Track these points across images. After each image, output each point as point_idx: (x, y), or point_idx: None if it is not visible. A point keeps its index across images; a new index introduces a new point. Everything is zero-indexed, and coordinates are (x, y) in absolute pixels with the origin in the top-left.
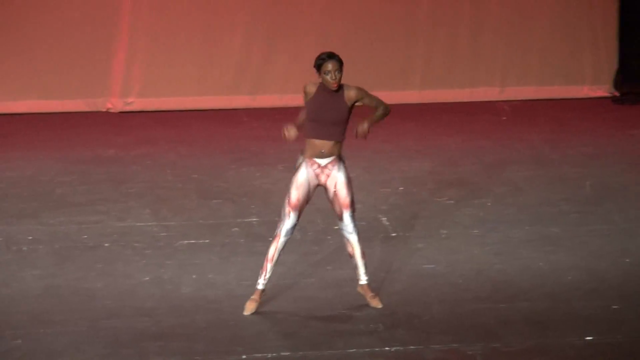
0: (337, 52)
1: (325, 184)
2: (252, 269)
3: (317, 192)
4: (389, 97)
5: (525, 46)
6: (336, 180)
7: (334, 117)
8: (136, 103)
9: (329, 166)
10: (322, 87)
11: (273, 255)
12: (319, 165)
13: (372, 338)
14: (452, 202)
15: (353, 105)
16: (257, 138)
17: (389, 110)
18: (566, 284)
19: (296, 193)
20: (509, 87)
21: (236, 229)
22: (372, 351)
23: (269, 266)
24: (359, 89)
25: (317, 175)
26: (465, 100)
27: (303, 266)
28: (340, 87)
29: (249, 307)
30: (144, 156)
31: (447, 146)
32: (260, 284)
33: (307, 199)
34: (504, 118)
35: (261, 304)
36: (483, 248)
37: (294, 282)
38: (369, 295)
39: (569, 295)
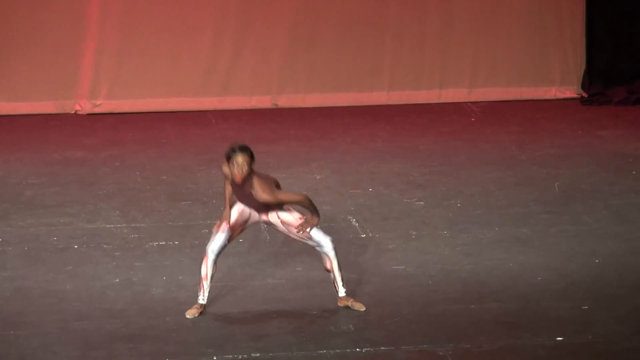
0: (304, 54)
1: (269, 220)
2: (222, 271)
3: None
4: (358, 98)
5: (494, 47)
6: (276, 211)
7: (258, 205)
8: (104, 105)
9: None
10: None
11: (206, 273)
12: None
13: (343, 339)
14: (421, 203)
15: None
16: (226, 139)
17: (308, 203)
18: (536, 285)
19: (237, 214)
20: (477, 88)
21: (206, 230)
22: (343, 352)
23: (204, 284)
24: (268, 196)
25: (258, 211)
26: (434, 101)
27: (272, 267)
28: (249, 181)
29: (192, 313)
30: (113, 158)
31: (416, 147)
32: (200, 299)
33: (242, 228)
34: (473, 119)
35: (229, 305)
36: (453, 249)
37: (263, 283)
38: (350, 302)
39: (539, 295)
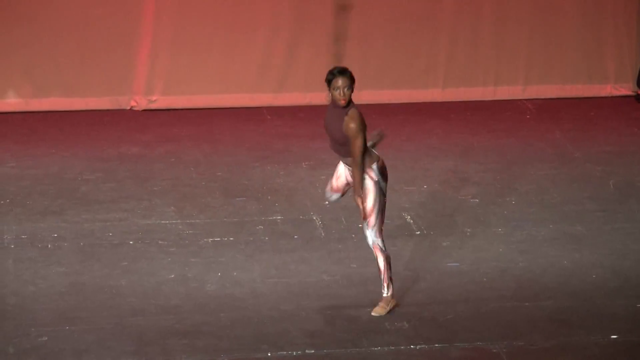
0: (359, 50)
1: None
2: (277, 267)
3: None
4: (412, 95)
5: (548, 44)
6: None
7: (339, 138)
8: (160, 101)
9: None
10: (332, 104)
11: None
12: (350, 169)
13: (397, 336)
14: (476, 200)
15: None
16: (281, 136)
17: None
18: (590, 283)
19: (335, 180)
20: (532, 85)
21: (260, 226)
22: (397, 349)
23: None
24: (352, 129)
25: (349, 176)
26: (489, 98)
27: (327, 264)
28: (347, 108)
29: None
30: (168, 154)
31: (470, 144)
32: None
33: (345, 187)
34: (528, 116)
35: (284, 301)
36: (507, 246)
37: (318, 279)
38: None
39: (593, 293)
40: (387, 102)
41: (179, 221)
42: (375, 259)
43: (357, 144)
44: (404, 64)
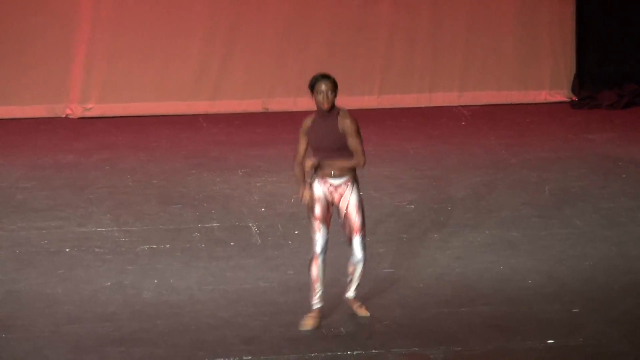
0: (295, 57)
1: (338, 204)
2: (213, 274)
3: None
4: (348, 102)
5: (484, 51)
6: (348, 201)
7: (333, 144)
8: (95, 109)
9: (342, 186)
10: (318, 114)
11: (317, 275)
12: (332, 184)
13: (334, 342)
14: (412, 206)
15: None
16: (217, 143)
17: (362, 163)
18: (527, 288)
19: (319, 207)
20: (467, 91)
21: (197, 234)
22: (335, 355)
23: (317, 286)
24: (351, 124)
25: (330, 193)
26: (424, 105)
27: (264, 270)
28: (336, 110)
29: (309, 323)
30: (104, 162)
31: (406, 151)
32: (316, 303)
33: (329, 212)
34: (463, 123)
35: (221, 308)
36: (443, 252)
37: (255, 286)
38: (355, 305)
39: (529, 299)
40: None
41: (115, 229)
42: (358, 269)
43: (360, 138)
44: (340, 70)
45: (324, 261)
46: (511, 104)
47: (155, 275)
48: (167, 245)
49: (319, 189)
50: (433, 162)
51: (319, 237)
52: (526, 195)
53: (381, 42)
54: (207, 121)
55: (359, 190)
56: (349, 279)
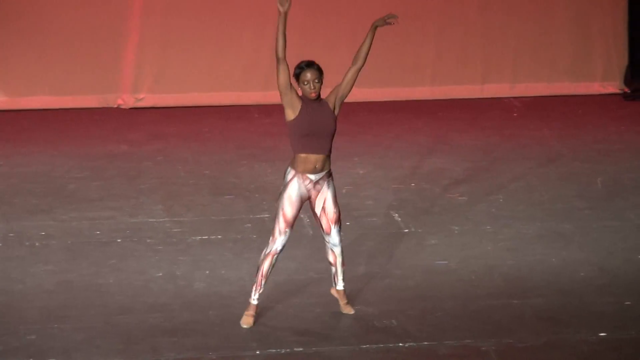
0: (345, 48)
1: (315, 200)
2: None
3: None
4: (401, 93)
5: (536, 42)
6: (325, 196)
7: (327, 129)
8: (147, 99)
9: (320, 182)
10: (306, 99)
11: (267, 272)
12: (311, 181)
13: (386, 334)
14: (464, 198)
15: (338, 112)
16: (269, 134)
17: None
18: (579, 280)
19: (290, 210)
20: (519, 83)
21: (248, 224)
22: (386, 347)
23: (262, 282)
24: (332, 90)
25: (308, 191)
26: (477, 96)
27: (315, 261)
28: (321, 100)
29: (247, 322)
30: (155, 152)
31: (458, 142)
32: (255, 299)
33: (298, 214)
34: (515, 114)
35: (273, 299)
36: (496, 244)
37: (306, 277)
38: (343, 301)
39: (581, 291)
40: (376, 100)
41: (167, 219)
42: (337, 256)
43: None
44: (392, 62)
45: (277, 261)
46: (563, 96)
47: (207, 266)
48: (219, 236)
49: (296, 190)
50: (485, 154)
51: (283, 239)
52: (578, 187)
53: (433, 33)
54: (259, 112)
55: (334, 184)
56: (333, 271)
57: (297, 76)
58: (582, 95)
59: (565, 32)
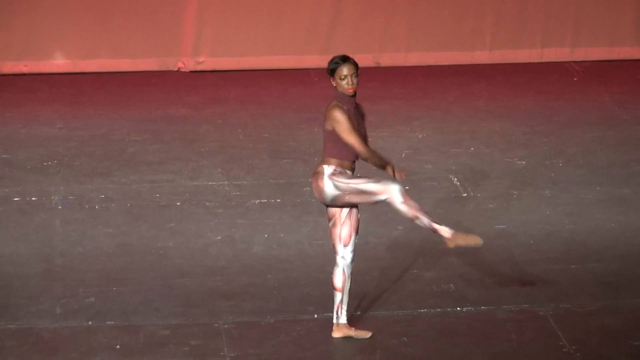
0: (405, 12)
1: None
2: (324, 229)
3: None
4: (459, 57)
5: (596, 6)
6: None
7: (364, 132)
8: (207, 62)
9: None
10: (342, 100)
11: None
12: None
13: (444, 298)
14: (522, 162)
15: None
16: (328, 98)
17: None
18: (637, 245)
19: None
20: (579, 47)
21: (307, 188)
22: (444, 311)
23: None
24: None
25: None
26: (536, 60)
27: (374, 226)
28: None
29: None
30: (215, 116)
31: (517, 107)
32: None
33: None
34: (575, 79)
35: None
36: (554, 209)
37: (365, 241)
38: (353, 332)
39: (639, 256)
40: (434, 64)
41: (226, 183)
42: (348, 278)
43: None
44: (451, 26)
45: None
46: (623, 60)
47: (266, 230)
48: (278, 200)
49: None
50: (544, 118)
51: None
52: (638, 152)
53: None
54: (318, 75)
55: None
56: (338, 299)
57: (333, 71)
58: None
59: None
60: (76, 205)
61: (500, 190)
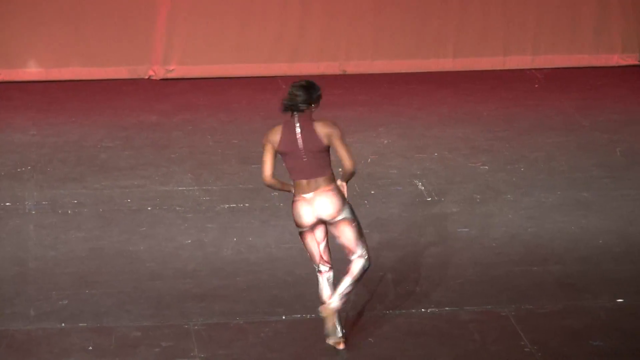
0: (371, 20)
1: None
2: (291, 232)
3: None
4: (424, 64)
5: (557, 15)
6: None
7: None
8: (177, 70)
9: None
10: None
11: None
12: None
13: (409, 300)
14: (485, 167)
15: None
16: None
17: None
18: (597, 248)
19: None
20: (540, 55)
21: (275, 193)
22: (409, 312)
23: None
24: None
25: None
26: (498, 68)
27: None
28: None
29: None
30: (185, 122)
31: (480, 113)
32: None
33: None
34: (536, 85)
35: (298, 266)
36: (516, 212)
37: (332, 244)
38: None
39: (600, 258)
40: (398, 71)
41: (196, 188)
42: (351, 275)
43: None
44: (415, 34)
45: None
46: (583, 67)
47: (235, 233)
48: (246, 204)
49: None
50: (506, 124)
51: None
52: (597, 157)
53: (455, 4)
54: (286, 83)
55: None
56: (342, 284)
57: (319, 98)
58: (601, 67)
59: (585, 4)
60: (49, 210)
61: (463, 194)
